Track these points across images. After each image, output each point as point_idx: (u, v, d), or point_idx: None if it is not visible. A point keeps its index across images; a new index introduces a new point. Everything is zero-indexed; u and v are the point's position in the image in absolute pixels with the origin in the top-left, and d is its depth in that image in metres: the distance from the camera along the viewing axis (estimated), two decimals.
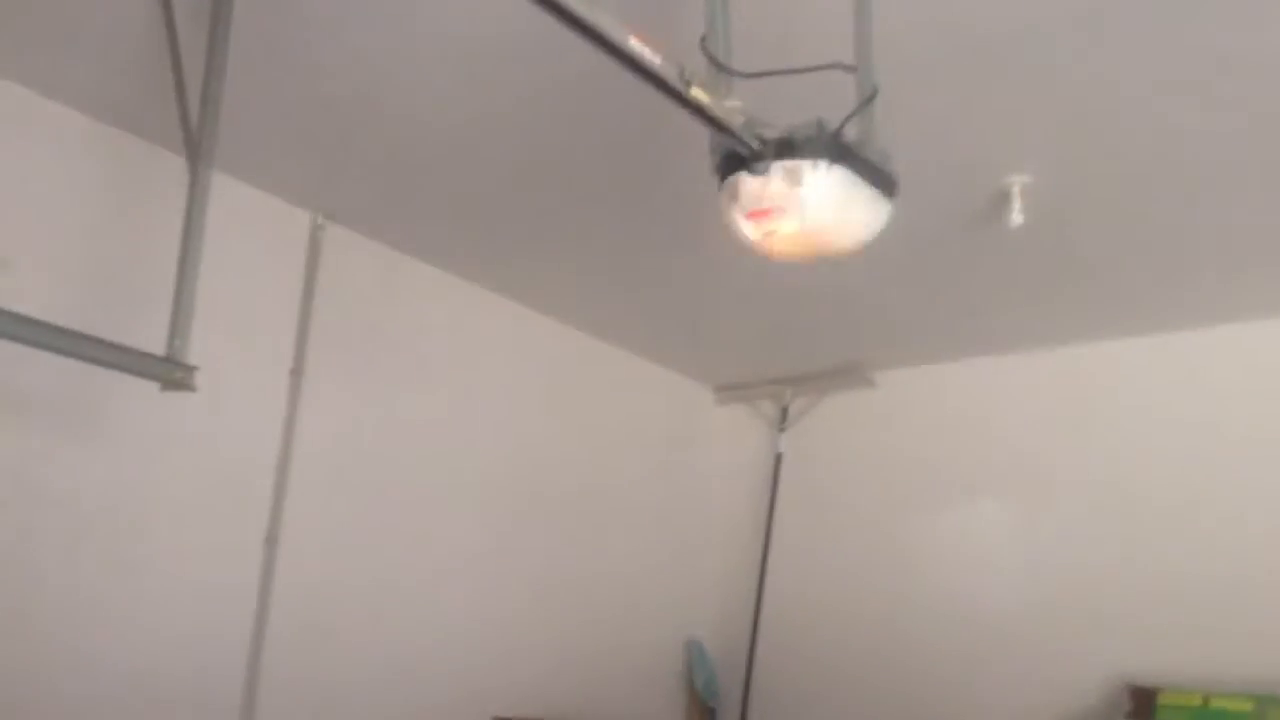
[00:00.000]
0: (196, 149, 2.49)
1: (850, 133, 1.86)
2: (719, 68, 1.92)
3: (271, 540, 3.40)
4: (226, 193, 3.06)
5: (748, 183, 1.87)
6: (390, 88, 2.83)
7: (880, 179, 1.88)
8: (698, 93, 1.71)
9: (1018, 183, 3.05)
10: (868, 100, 1.87)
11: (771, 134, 1.83)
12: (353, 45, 2.64)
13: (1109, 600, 3.99)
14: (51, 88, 2.97)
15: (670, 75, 1.68)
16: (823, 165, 1.81)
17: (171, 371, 2.33)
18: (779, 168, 1.83)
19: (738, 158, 1.87)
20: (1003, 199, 3.10)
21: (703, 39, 1.96)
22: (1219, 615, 3.73)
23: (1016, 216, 3.06)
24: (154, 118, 2.95)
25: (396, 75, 2.77)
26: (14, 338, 2.15)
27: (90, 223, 3.10)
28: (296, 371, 3.54)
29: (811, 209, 1.84)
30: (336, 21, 2.55)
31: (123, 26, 2.63)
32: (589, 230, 3.66)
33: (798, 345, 4.60)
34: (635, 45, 1.61)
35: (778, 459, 4.98)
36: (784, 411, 5.02)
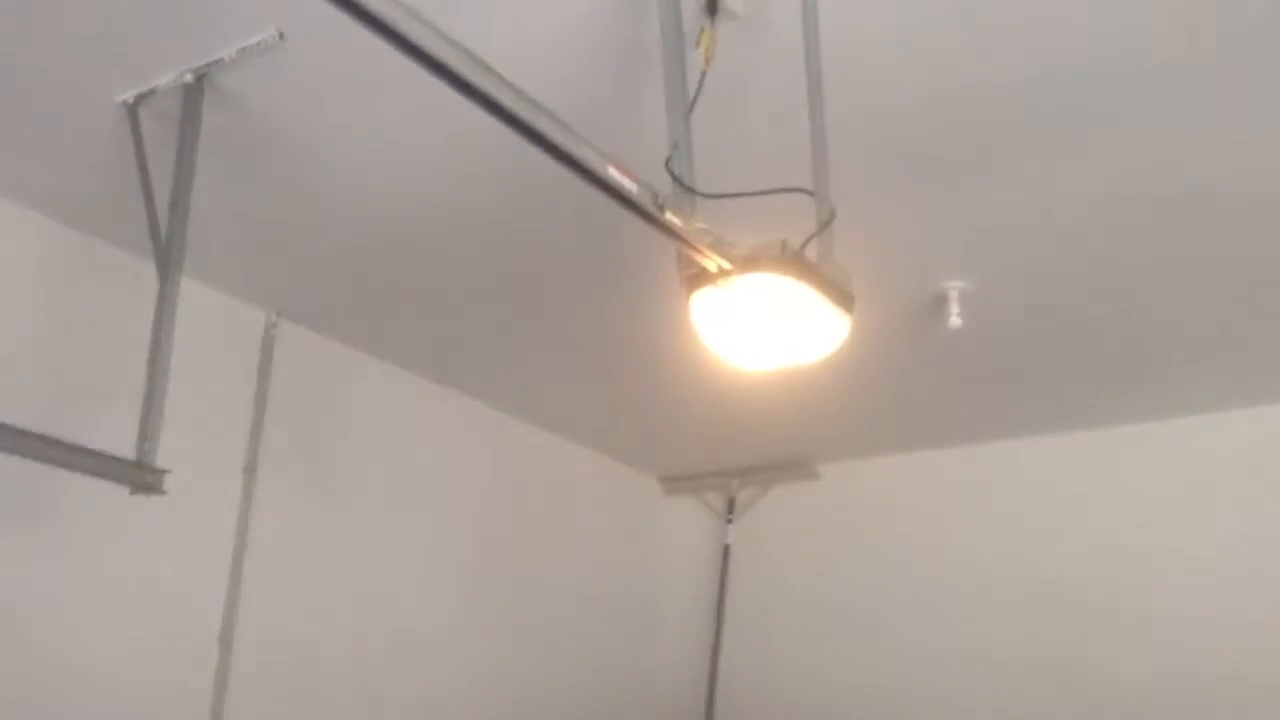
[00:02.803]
0: (166, 259, 2.52)
1: (811, 252, 1.97)
2: (684, 188, 2.04)
3: (225, 640, 3.37)
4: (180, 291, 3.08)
5: (715, 298, 1.97)
6: (341, 187, 2.88)
7: (839, 296, 1.99)
8: (670, 217, 1.82)
9: (955, 288, 3.21)
10: (827, 223, 2.00)
11: (737, 253, 1.94)
12: (307, 147, 2.70)
13: (1052, 694, 4.09)
14: (10, 189, 2.98)
15: (645, 201, 1.79)
16: (785, 283, 1.93)
17: (142, 475, 2.35)
18: (745, 284, 1.94)
19: (705, 274, 1.97)
20: (941, 303, 3.25)
21: (668, 160, 2.07)
22: (1169, 712, 3.84)
23: (955, 320, 3.21)
24: (114, 220, 3.00)
25: (348, 175, 2.83)
26: None
27: (44, 320, 3.11)
28: (250, 469, 3.55)
29: (775, 325, 1.95)
30: (293, 124, 2.62)
31: (88, 131, 2.66)
32: (538, 326, 3.74)
33: (744, 438, 4.69)
34: (614, 174, 1.72)
35: (726, 550, 5.03)
36: (731, 503, 5.08)
